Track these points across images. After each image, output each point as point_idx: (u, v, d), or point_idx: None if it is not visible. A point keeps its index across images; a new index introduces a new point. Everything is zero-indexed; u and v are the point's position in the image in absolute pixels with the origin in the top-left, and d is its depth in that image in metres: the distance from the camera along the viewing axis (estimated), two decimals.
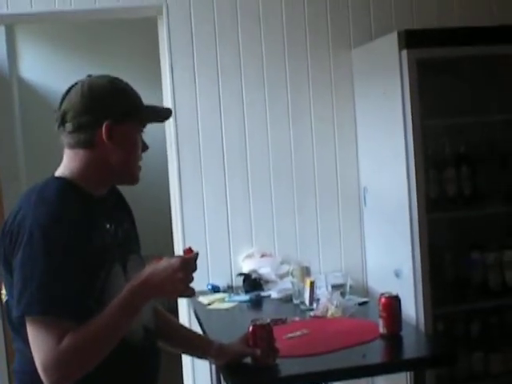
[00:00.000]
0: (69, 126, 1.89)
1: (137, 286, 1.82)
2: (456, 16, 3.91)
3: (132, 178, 2.00)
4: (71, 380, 1.75)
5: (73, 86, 1.94)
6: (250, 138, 3.81)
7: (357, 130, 3.89)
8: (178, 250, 3.77)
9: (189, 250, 1.91)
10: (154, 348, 2.08)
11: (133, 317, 1.84)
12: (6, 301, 1.88)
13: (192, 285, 1.87)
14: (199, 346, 2.35)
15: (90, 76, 1.96)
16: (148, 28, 4.18)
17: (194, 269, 1.87)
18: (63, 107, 1.90)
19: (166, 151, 3.87)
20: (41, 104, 6.14)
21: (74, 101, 1.89)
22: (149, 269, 1.84)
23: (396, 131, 3.24)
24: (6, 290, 1.87)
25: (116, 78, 1.98)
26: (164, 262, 1.84)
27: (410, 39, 3.20)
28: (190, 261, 1.86)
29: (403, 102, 3.18)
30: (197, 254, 1.89)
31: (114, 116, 1.89)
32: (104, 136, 1.88)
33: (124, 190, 2.16)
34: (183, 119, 3.74)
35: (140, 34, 5.36)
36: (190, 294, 1.90)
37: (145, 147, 2.00)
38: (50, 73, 6.41)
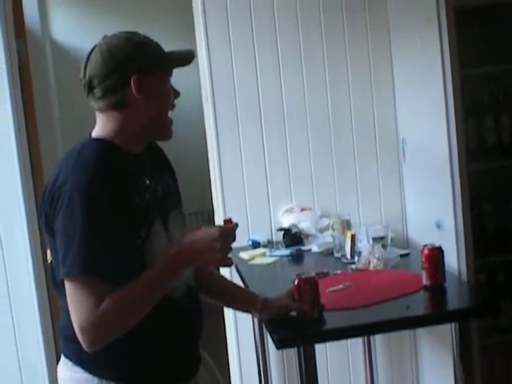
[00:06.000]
0: (97, 91, 1.90)
1: (175, 254, 1.85)
2: None
3: (165, 132, 1.99)
4: (107, 341, 1.79)
5: (91, 51, 1.94)
6: (287, 91, 3.77)
7: (394, 81, 3.83)
8: (218, 209, 3.78)
9: (228, 221, 1.93)
10: (197, 305, 2.10)
11: (170, 282, 1.87)
12: (51, 262, 1.92)
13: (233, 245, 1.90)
14: (244, 300, 2.36)
15: (105, 37, 1.96)
16: None
17: (233, 239, 1.89)
18: (87, 74, 1.91)
19: (202, 110, 3.85)
20: (74, 66, 6.14)
21: (97, 66, 1.90)
22: (188, 237, 1.86)
23: (434, 81, 3.18)
24: (51, 252, 1.91)
25: (131, 33, 1.96)
26: (203, 231, 1.86)
27: None
28: (228, 231, 1.88)
29: (442, 51, 3.12)
30: (236, 224, 1.92)
31: (140, 69, 1.89)
32: (134, 91, 1.88)
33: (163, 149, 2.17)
34: (219, 77, 3.70)
35: None
36: (228, 263, 1.92)
37: (176, 94, 2.00)
38: (81, 34, 6.41)
